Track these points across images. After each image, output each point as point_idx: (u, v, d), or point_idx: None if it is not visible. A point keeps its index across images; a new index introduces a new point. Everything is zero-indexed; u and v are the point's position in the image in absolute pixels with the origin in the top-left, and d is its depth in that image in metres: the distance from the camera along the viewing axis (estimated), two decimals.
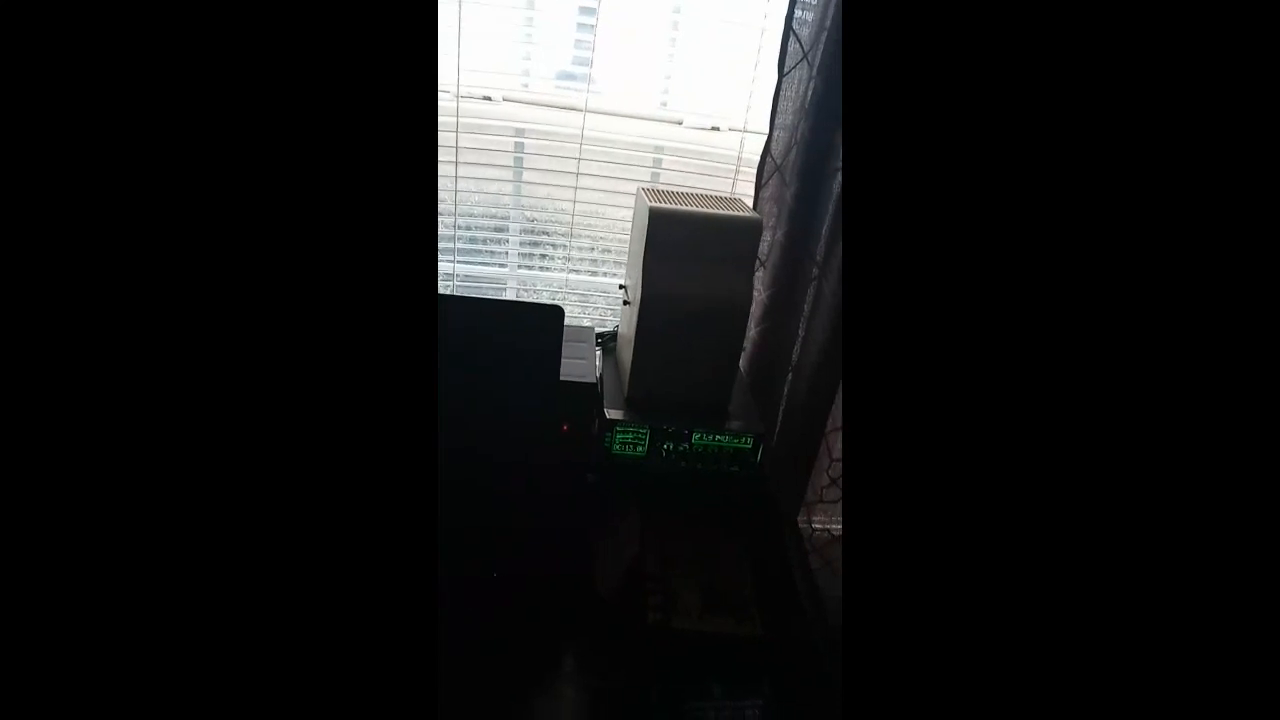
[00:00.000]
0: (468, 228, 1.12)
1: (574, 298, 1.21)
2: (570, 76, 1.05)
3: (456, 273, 1.12)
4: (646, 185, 0.89)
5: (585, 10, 0.99)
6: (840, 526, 1.19)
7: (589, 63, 1.02)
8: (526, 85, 1.05)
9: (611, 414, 0.83)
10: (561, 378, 0.80)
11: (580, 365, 0.84)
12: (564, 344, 0.87)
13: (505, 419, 0.77)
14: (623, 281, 0.93)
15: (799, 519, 1.13)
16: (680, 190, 0.88)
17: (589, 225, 1.14)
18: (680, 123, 1.07)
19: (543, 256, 1.18)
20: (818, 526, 1.17)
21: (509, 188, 1.10)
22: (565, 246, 1.15)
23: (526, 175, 1.09)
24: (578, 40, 1.02)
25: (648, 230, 0.79)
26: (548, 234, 1.16)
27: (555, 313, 0.75)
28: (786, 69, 0.89)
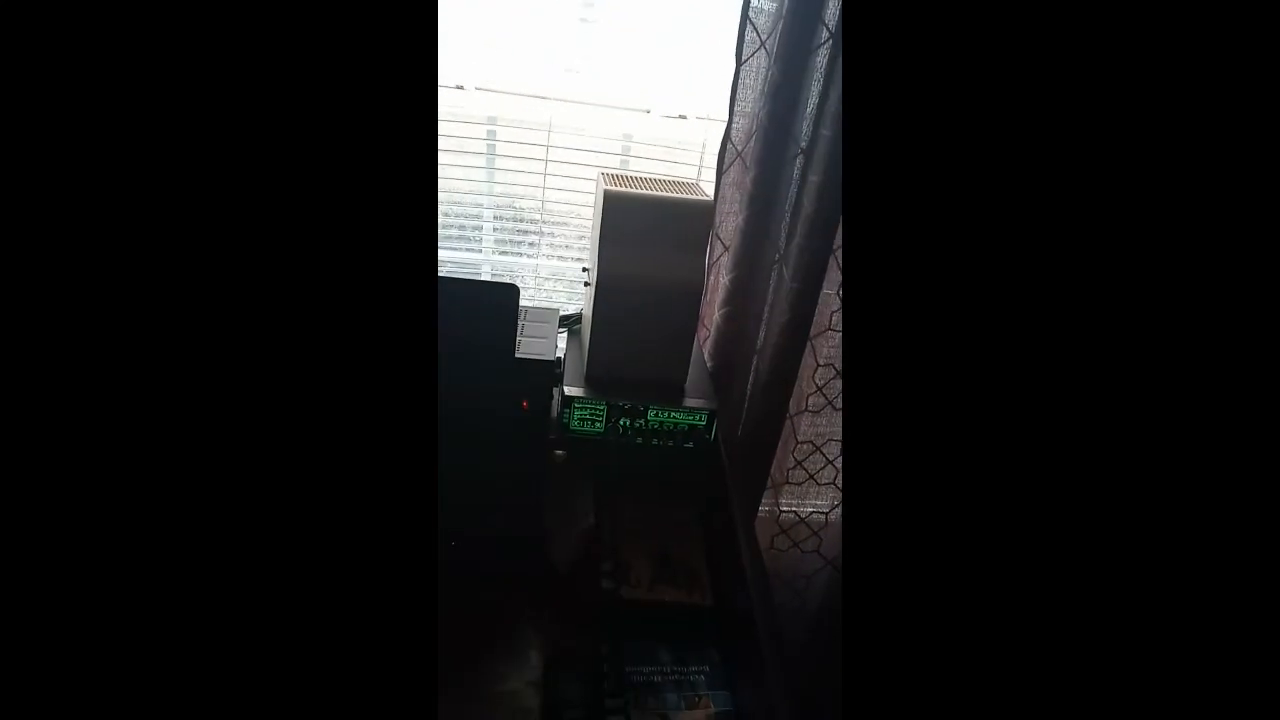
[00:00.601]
0: (444, 214, 1.15)
1: (561, 285, 1.24)
2: (542, 66, 1.08)
3: None
4: (607, 170, 0.91)
5: (558, 3, 1.02)
6: (808, 508, 1.21)
7: (561, 54, 1.04)
8: (498, 75, 1.08)
9: (570, 391, 0.86)
10: (522, 355, 0.83)
11: (541, 344, 0.87)
12: (527, 324, 0.90)
13: (462, 394, 0.79)
14: (585, 264, 0.95)
15: (765, 499, 1.16)
16: (639, 175, 0.91)
17: (575, 212, 1.17)
18: (648, 111, 1.10)
19: (531, 245, 1.21)
20: (785, 508, 1.19)
21: (482, 175, 1.13)
22: (542, 233, 1.18)
23: (500, 163, 1.12)
24: (550, 32, 1.04)
25: (603, 213, 0.82)
26: (533, 220, 1.19)
27: (510, 291, 0.78)
28: (745, 57, 0.92)
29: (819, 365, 1.06)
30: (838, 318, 1.03)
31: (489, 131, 1.10)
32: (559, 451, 0.90)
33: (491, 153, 1.12)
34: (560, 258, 1.22)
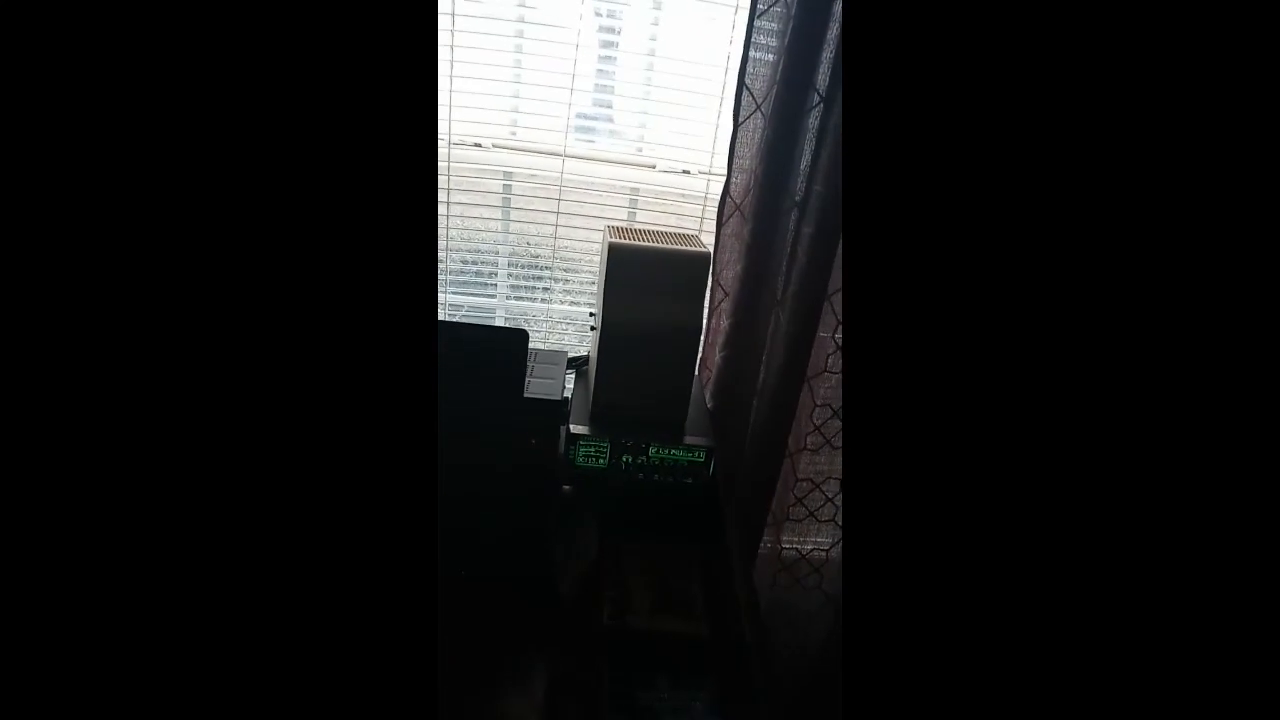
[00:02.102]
0: (463, 262, 1.23)
1: (572, 327, 1.30)
2: (556, 126, 1.16)
3: (448, 301, 1.22)
4: (613, 224, 0.98)
5: (568, 68, 1.10)
6: (808, 545, 1.24)
7: (572, 113, 1.12)
8: (514, 134, 1.16)
9: (576, 429, 0.91)
10: (530, 395, 0.89)
11: (549, 384, 0.92)
12: (537, 366, 0.96)
13: (474, 433, 0.85)
14: (592, 310, 1.01)
15: (767, 536, 1.19)
16: (643, 228, 0.97)
17: (586, 260, 1.24)
18: (654, 167, 1.17)
19: (545, 290, 1.27)
20: (786, 545, 1.23)
21: (498, 225, 1.21)
22: (555, 279, 1.25)
23: (515, 214, 1.20)
24: (563, 93, 1.13)
25: (608, 263, 0.88)
26: (546, 268, 1.26)
27: (520, 336, 0.84)
28: (741, 119, 0.99)
29: (816, 405, 1.11)
30: (834, 360, 1.08)
31: (505, 185, 1.18)
32: (565, 486, 0.95)
33: (507, 205, 1.20)
34: (573, 302, 1.29)
